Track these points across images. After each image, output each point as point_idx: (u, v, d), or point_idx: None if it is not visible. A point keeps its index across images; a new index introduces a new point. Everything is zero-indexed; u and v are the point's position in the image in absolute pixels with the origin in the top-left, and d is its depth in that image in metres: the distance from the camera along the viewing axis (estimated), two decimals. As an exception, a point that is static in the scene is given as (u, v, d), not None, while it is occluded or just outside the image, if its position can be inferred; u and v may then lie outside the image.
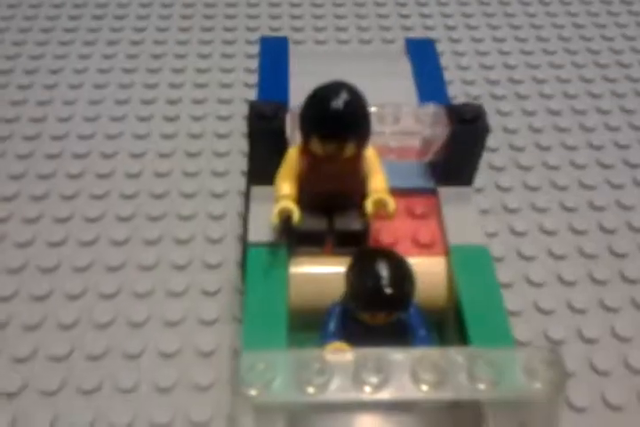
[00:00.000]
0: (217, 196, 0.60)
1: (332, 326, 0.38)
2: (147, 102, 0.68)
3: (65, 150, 0.63)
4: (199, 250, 0.55)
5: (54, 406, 0.45)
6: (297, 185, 0.40)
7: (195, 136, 0.65)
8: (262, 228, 0.43)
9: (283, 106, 0.43)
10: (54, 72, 0.71)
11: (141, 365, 0.47)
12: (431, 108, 0.43)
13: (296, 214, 0.39)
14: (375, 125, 0.41)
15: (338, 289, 0.39)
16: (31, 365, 0.47)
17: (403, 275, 0.35)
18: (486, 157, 0.62)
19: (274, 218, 0.39)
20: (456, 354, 0.31)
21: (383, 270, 0.35)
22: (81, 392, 0.46)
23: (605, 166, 0.63)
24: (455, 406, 0.37)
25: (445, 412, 0.37)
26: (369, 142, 0.39)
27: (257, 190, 0.45)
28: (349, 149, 0.38)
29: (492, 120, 0.62)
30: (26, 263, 0.53)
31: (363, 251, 0.38)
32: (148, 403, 0.45)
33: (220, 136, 0.65)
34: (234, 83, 0.71)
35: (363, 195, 0.40)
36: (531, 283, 0.54)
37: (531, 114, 0.68)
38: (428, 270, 0.43)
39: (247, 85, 0.70)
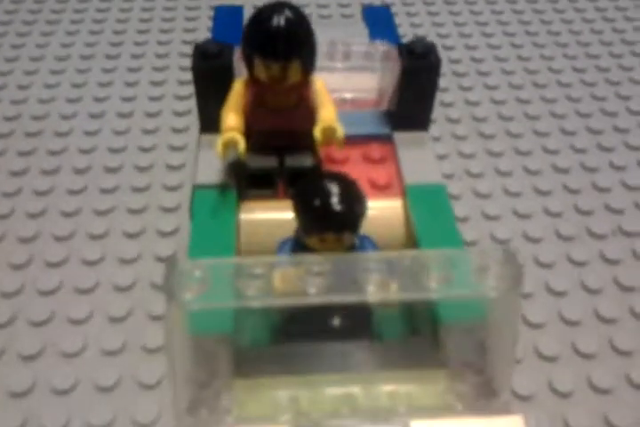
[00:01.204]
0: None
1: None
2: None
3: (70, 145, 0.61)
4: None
5: (-8, 373, 0.42)
6: (243, 119, 0.39)
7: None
8: (210, 171, 0.41)
9: (228, 45, 0.42)
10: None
11: (88, 329, 0.45)
12: (381, 46, 0.42)
13: (242, 145, 0.37)
14: (325, 62, 0.40)
15: (289, 234, 0.37)
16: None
17: (352, 194, 0.34)
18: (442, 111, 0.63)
19: (219, 149, 0.37)
20: (406, 256, 0.29)
21: (332, 189, 0.33)
22: (21, 358, 0.43)
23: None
24: (411, 335, 0.35)
25: (400, 341, 0.35)
26: (317, 72, 0.38)
27: (206, 137, 0.44)
28: (294, 72, 0.36)
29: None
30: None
31: (311, 175, 0.36)
32: (92, 367, 0.42)
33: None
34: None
35: (312, 134, 0.39)
36: (487, 217, 0.53)
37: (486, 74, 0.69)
38: (384, 212, 0.41)
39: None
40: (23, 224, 0.52)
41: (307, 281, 0.28)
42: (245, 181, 0.40)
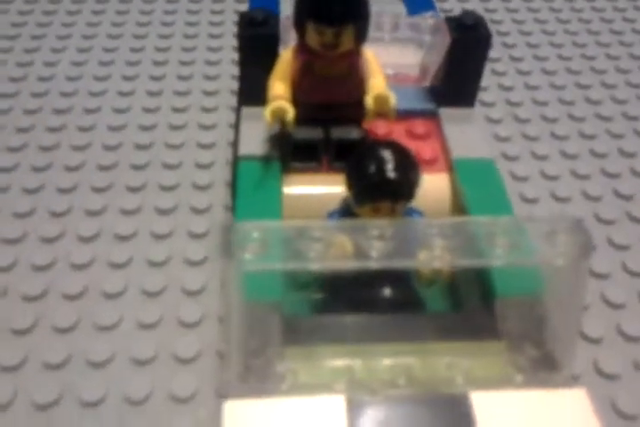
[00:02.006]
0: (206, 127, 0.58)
1: (331, 229, 0.35)
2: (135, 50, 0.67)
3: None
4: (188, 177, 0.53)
5: (27, 345, 0.41)
6: (291, 89, 0.38)
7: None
8: (254, 142, 0.40)
9: (274, 13, 0.41)
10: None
11: (123, 303, 0.44)
12: (430, 18, 0.41)
13: (290, 114, 0.36)
14: (374, 33, 0.39)
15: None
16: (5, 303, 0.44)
17: (407, 162, 0.33)
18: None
19: (267, 117, 0.36)
20: (469, 222, 0.28)
21: (386, 157, 0.32)
22: (56, 330, 0.42)
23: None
24: (467, 311, 0.35)
25: (454, 314, 0.34)
26: (367, 42, 0.37)
27: (248, 110, 0.43)
28: (347, 39, 0.36)
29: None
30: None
31: (365, 144, 0.36)
32: (129, 340, 0.42)
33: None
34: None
35: (361, 106, 0.38)
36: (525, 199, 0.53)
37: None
38: (431, 187, 0.40)
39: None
40: (55, 199, 0.51)
41: (367, 245, 0.27)
42: (290, 153, 0.39)
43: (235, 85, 0.58)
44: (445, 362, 0.30)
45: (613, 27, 0.74)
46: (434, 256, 0.27)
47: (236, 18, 0.67)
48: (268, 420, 0.26)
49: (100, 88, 0.63)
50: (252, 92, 0.42)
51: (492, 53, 0.67)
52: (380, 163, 0.32)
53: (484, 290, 0.33)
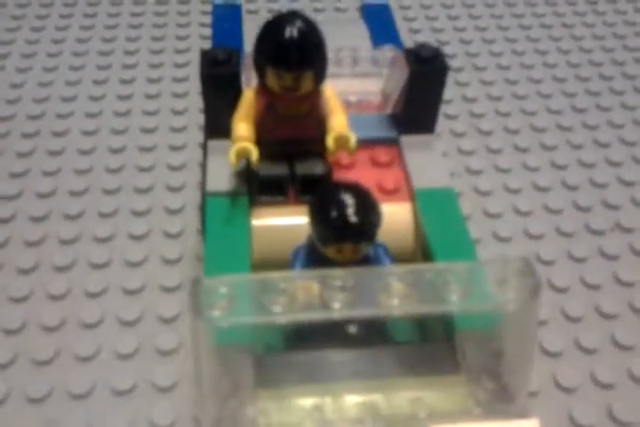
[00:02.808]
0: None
1: (297, 267, 0.37)
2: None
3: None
4: (160, 198, 0.55)
5: (9, 379, 0.42)
6: (254, 128, 0.39)
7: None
8: (221, 178, 0.42)
9: (236, 51, 0.42)
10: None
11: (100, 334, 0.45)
12: (388, 51, 0.43)
13: (254, 154, 0.38)
14: (333, 68, 0.40)
15: (302, 240, 0.38)
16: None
17: (367, 204, 0.34)
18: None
19: (232, 158, 0.37)
20: (425, 269, 0.30)
21: (348, 200, 0.34)
22: (36, 363, 0.43)
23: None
24: (427, 341, 0.36)
25: (417, 346, 0.35)
26: (326, 79, 0.38)
27: (214, 144, 0.44)
28: (306, 82, 0.37)
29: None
30: None
31: (326, 186, 0.37)
32: (107, 371, 0.43)
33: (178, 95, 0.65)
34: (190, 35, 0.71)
35: (323, 140, 0.39)
36: (488, 215, 0.55)
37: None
38: (394, 217, 0.42)
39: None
40: (28, 228, 0.52)
41: (330, 296, 0.29)
42: (257, 189, 0.40)
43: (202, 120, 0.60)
44: (409, 398, 0.32)
45: (574, 32, 0.75)
46: (394, 304, 0.28)
47: (200, 44, 0.69)
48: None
49: (72, 93, 0.65)
50: (216, 125, 0.43)
51: (455, 63, 0.69)
52: (342, 207, 0.33)
53: (446, 323, 0.35)
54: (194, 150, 0.59)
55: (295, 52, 0.35)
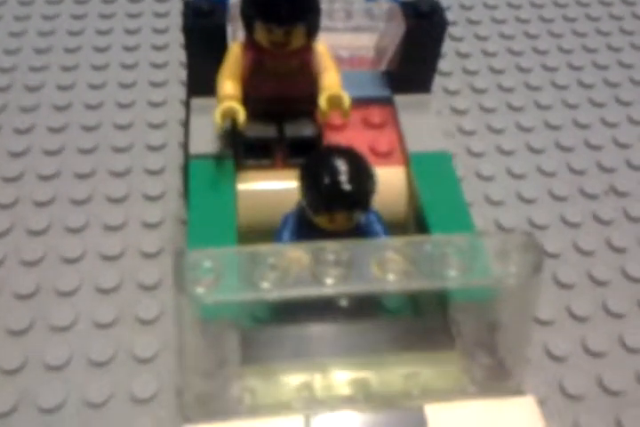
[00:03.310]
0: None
1: (285, 235, 0.35)
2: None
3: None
4: (139, 158, 0.52)
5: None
6: (241, 86, 0.36)
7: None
8: (205, 139, 0.39)
9: (221, 2, 0.39)
10: None
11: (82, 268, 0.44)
12: (385, 4, 0.40)
13: (241, 115, 0.35)
14: (326, 22, 0.37)
15: (290, 206, 0.36)
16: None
17: (362, 171, 0.32)
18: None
19: (217, 119, 0.35)
20: (423, 242, 0.28)
21: (342, 167, 0.32)
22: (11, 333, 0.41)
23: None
24: (420, 313, 0.35)
25: (411, 321, 0.34)
26: (319, 35, 0.36)
27: (197, 101, 0.41)
28: (297, 38, 0.34)
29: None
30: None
31: (318, 151, 0.35)
32: (85, 340, 0.41)
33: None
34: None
35: (313, 100, 0.37)
36: (481, 177, 0.53)
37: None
38: (387, 181, 0.39)
39: None
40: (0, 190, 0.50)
41: (323, 270, 0.27)
42: (243, 151, 0.38)
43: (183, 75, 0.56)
44: (402, 374, 0.30)
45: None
46: (390, 280, 0.27)
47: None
48: (227, 444, 0.27)
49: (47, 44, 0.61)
50: (200, 82, 0.40)
51: (456, 32, 0.65)
52: (335, 174, 0.31)
53: (441, 295, 0.33)
54: (174, 107, 0.56)
55: (286, 5, 0.33)
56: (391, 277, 0.27)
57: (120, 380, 0.40)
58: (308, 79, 0.37)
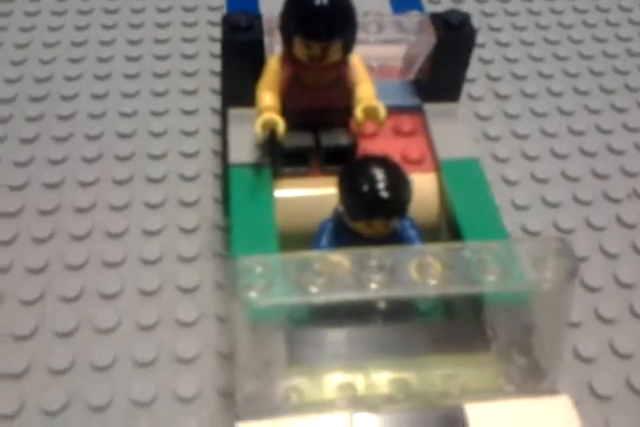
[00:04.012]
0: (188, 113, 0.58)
1: (324, 240, 0.36)
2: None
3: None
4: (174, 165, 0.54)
5: (30, 351, 0.42)
6: (279, 98, 0.38)
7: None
8: (244, 148, 0.41)
9: (257, 17, 0.40)
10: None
11: (121, 304, 0.45)
12: (415, 16, 0.41)
13: (281, 126, 0.37)
14: (359, 34, 0.38)
15: (327, 211, 0.37)
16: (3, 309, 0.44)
17: (399, 179, 0.34)
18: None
19: (258, 130, 0.36)
20: (461, 248, 0.29)
21: (379, 175, 0.33)
22: (57, 335, 0.43)
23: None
24: (453, 317, 0.36)
25: (448, 324, 0.35)
26: (354, 48, 0.37)
27: (235, 112, 0.43)
28: (335, 52, 0.35)
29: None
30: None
31: (356, 160, 0.36)
32: (129, 341, 0.43)
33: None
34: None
35: (349, 111, 0.38)
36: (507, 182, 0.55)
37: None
38: (419, 187, 0.40)
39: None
40: (42, 196, 0.51)
41: (367, 275, 0.28)
42: (281, 160, 0.40)
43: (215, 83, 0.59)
44: (441, 375, 0.32)
45: (599, 4, 0.72)
46: (431, 284, 0.28)
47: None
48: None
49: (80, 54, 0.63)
50: (236, 93, 0.42)
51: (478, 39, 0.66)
52: (374, 182, 0.33)
53: (476, 298, 0.35)
54: (206, 115, 0.58)
55: (326, 22, 0.34)
56: (432, 281, 0.28)
57: (163, 380, 0.41)
58: (344, 91, 0.38)
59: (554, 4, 0.71)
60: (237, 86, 0.42)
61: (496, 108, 0.60)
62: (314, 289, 0.28)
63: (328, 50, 0.35)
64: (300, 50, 0.35)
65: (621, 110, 0.61)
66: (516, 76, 0.63)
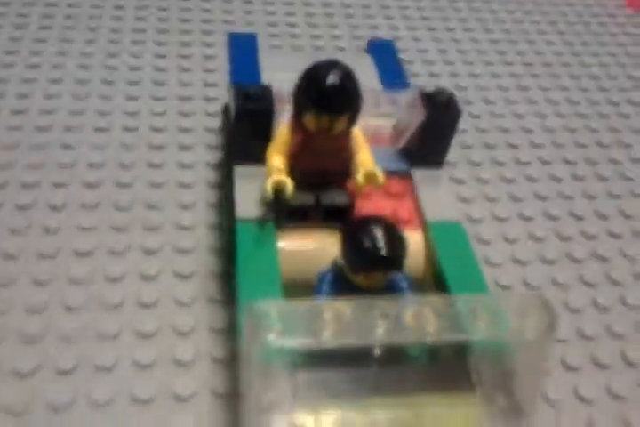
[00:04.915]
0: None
1: (324, 289, 0.40)
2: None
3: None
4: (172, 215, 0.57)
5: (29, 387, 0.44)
6: (287, 161, 0.42)
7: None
8: (249, 204, 0.45)
9: (266, 87, 0.45)
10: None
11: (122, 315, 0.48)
12: (407, 93, 0.46)
13: (289, 187, 0.41)
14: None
15: (323, 262, 0.41)
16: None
17: (396, 237, 0.38)
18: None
19: (268, 189, 0.41)
20: (456, 300, 0.34)
21: (380, 234, 0.37)
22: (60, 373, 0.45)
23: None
24: (437, 361, 0.40)
25: (435, 366, 0.39)
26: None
27: (240, 169, 0.47)
28: (341, 124, 0.40)
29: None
30: None
31: (358, 219, 0.40)
32: (128, 381, 0.45)
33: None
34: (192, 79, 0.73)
35: (347, 174, 0.43)
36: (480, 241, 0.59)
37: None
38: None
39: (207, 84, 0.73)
40: (41, 240, 0.54)
41: (373, 323, 0.32)
42: (284, 216, 0.44)
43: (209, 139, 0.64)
44: (432, 414, 0.35)
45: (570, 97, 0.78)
46: (430, 332, 0.32)
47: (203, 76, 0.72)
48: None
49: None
50: (243, 152, 0.46)
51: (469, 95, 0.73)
52: (374, 240, 0.37)
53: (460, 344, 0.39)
54: (202, 169, 0.62)
55: (337, 98, 0.39)
56: (430, 329, 0.32)
57: (161, 417, 0.44)
58: (345, 157, 0.43)
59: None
60: (244, 147, 0.46)
61: (493, 173, 0.66)
62: (326, 334, 0.31)
63: (336, 122, 0.40)
64: (310, 121, 0.40)
65: (616, 196, 0.66)
66: (488, 146, 0.69)
